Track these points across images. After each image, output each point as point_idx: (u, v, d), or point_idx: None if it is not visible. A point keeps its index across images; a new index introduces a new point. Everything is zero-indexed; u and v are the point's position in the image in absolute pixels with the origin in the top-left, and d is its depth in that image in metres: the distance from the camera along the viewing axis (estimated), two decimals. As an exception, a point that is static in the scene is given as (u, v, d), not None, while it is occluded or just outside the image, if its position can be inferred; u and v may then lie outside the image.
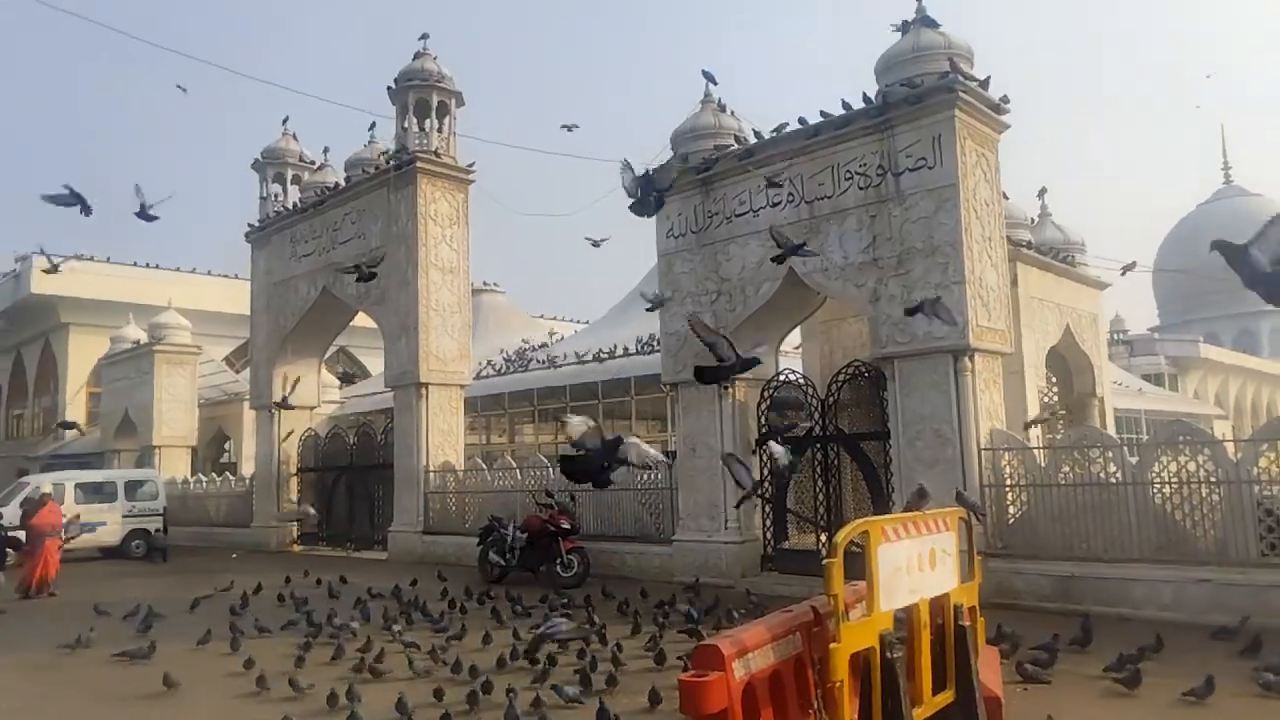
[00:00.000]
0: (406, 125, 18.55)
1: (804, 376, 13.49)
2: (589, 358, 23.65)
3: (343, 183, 20.08)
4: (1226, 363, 45.88)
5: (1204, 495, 9.30)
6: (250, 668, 7.63)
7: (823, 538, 11.93)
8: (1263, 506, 8.99)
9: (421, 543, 17.26)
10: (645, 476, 13.59)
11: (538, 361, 25.91)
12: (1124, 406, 27.02)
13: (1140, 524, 9.59)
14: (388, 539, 17.98)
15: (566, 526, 13.14)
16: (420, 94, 18.62)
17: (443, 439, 17.77)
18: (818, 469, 12.45)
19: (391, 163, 18.48)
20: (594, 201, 38.46)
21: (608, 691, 6.71)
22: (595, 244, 15.65)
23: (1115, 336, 43.12)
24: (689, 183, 13.56)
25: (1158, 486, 9.57)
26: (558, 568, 12.97)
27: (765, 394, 13.01)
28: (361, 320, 21.30)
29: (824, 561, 4.27)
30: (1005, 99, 11.51)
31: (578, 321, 40.74)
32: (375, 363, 32.08)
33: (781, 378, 13.24)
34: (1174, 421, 12.38)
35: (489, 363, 26.91)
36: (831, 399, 12.36)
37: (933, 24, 11.51)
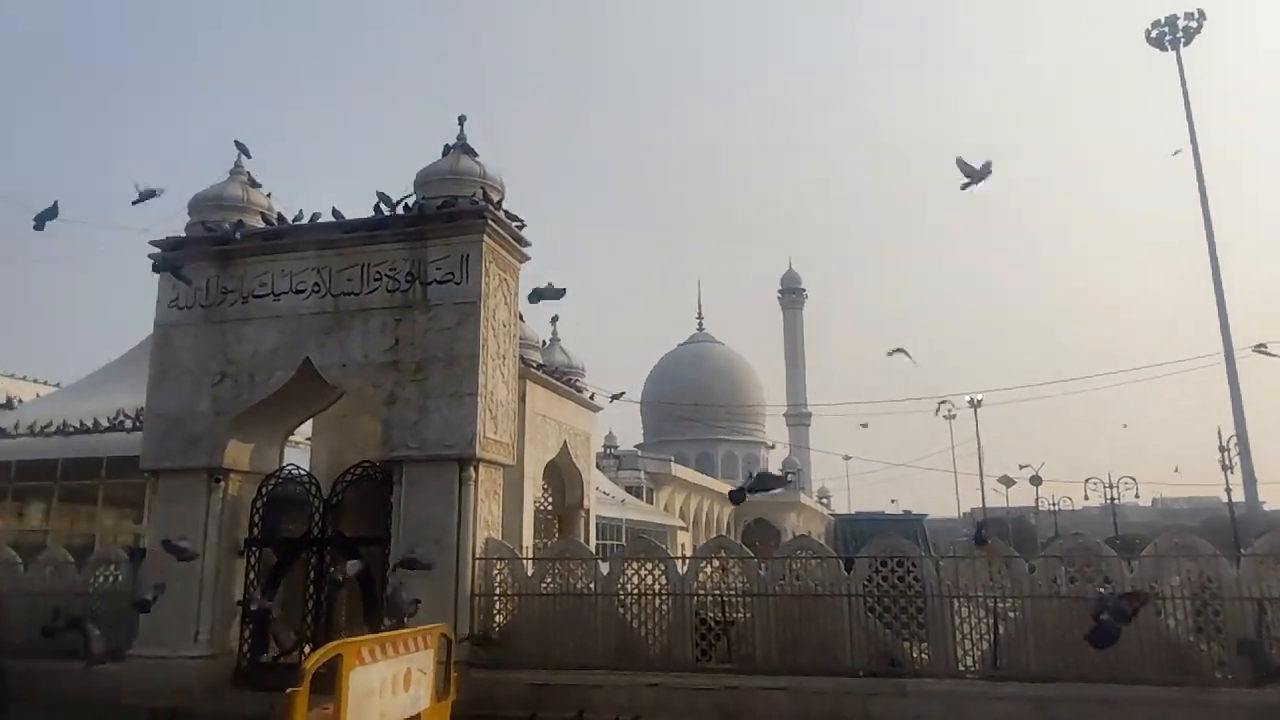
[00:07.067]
0: None
1: (308, 473, 12.83)
2: (51, 429, 19.86)
3: None
4: (690, 480, 53.93)
5: (657, 605, 10.68)
6: None
7: (308, 649, 11.21)
8: (698, 615, 10.59)
9: None
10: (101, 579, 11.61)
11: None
12: (608, 515, 30.11)
13: (605, 632, 10.65)
14: None
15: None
16: None
17: None
18: (311, 574, 11.80)
19: None
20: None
21: None
22: None
23: (608, 450, 48.46)
24: (204, 254, 12.47)
25: (620, 598, 10.76)
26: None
27: (263, 490, 12.11)
28: None
29: (288, 691, 4.05)
30: (521, 225, 12.49)
31: (44, 383, 34.17)
32: None
33: (285, 473, 12.45)
34: (638, 538, 14.14)
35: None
36: (336, 499, 11.90)
37: (472, 152, 12.29)
